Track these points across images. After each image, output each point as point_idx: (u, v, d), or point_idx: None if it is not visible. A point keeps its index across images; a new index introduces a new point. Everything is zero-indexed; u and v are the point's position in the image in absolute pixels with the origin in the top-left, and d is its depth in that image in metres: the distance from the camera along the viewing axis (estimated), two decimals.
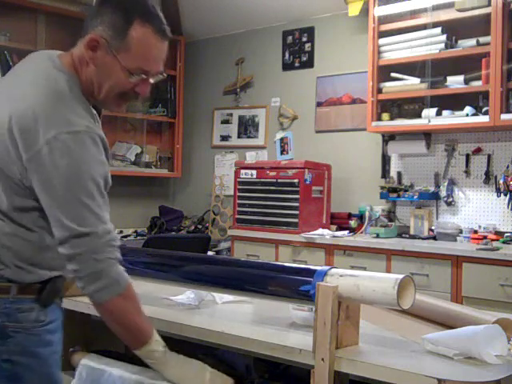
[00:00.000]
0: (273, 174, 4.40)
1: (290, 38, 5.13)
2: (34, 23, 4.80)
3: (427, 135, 4.23)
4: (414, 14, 4.16)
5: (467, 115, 3.85)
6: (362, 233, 4.23)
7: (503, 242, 3.74)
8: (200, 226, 5.45)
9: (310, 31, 5.00)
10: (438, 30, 3.99)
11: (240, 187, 4.59)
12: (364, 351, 1.51)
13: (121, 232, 5.29)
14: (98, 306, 1.47)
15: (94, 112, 1.56)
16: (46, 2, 4.83)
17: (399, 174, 4.43)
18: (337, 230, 4.37)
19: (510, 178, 3.80)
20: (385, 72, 4.25)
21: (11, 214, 1.45)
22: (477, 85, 3.84)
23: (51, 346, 1.54)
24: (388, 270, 3.75)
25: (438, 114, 3.98)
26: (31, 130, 1.38)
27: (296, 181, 4.28)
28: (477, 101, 3.87)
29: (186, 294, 2.07)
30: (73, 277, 1.44)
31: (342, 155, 4.73)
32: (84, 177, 1.39)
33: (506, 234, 3.83)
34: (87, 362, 1.99)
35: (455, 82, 3.94)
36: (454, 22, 3.98)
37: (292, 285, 1.61)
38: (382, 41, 4.24)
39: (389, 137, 4.46)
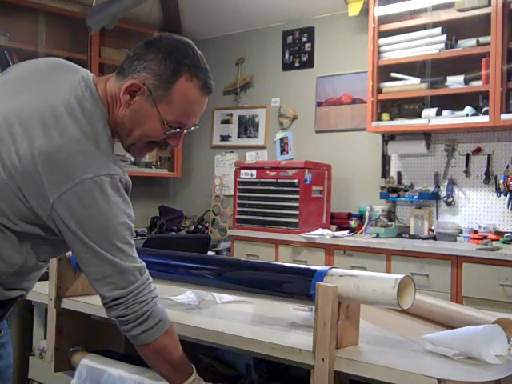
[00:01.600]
0: (273, 174, 4.40)
1: (289, 38, 5.13)
2: (34, 23, 4.80)
3: (427, 135, 4.23)
4: (413, 13, 4.16)
5: (467, 115, 3.85)
6: (362, 233, 4.23)
7: (503, 242, 3.74)
8: (200, 226, 5.45)
9: (310, 31, 5.00)
10: (438, 30, 3.99)
11: (240, 187, 4.59)
12: (364, 351, 1.51)
13: None
14: (144, 347, 1.44)
15: None
16: (46, 2, 4.83)
17: (399, 174, 4.43)
18: (337, 229, 4.37)
19: (510, 178, 3.80)
20: (385, 72, 4.25)
21: (5, 232, 1.36)
22: (477, 85, 3.84)
23: (3, 359, 1.51)
24: (388, 270, 3.75)
25: (438, 114, 3.98)
26: (65, 167, 1.31)
27: (296, 181, 4.28)
28: (477, 101, 3.87)
29: (186, 294, 2.07)
30: (119, 325, 1.43)
31: (342, 155, 4.73)
32: (118, 223, 1.36)
33: (506, 234, 3.83)
34: (87, 362, 1.99)
35: (455, 82, 3.94)
36: (454, 21, 3.98)
37: (292, 285, 1.61)
38: (381, 41, 4.24)
39: (389, 137, 4.46)
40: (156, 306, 1.43)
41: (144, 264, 1.43)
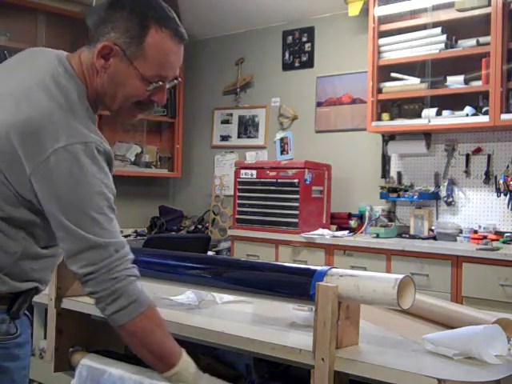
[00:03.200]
0: (273, 173, 4.40)
1: (290, 37, 5.13)
2: (34, 23, 4.80)
3: (427, 135, 4.23)
4: (413, 13, 4.16)
5: (467, 115, 3.85)
6: (362, 233, 4.23)
7: (503, 242, 3.74)
8: (200, 226, 5.45)
9: (310, 31, 5.00)
10: (438, 29, 3.99)
11: (240, 187, 4.59)
12: (364, 351, 1.51)
13: (121, 232, 5.27)
14: (119, 328, 1.38)
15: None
16: (45, 2, 4.83)
17: (399, 174, 4.43)
18: (337, 229, 4.37)
19: (510, 178, 3.80)
20: (385, 72, 4.25)
21: None
22: (477, 85, 3.84)
23: (19, 360, 1.45)
24: (388, 270, 3.75)
25: (438, 114, 3.98)
26: (37, 138, 1.29)
27: (296, 181, 4.28)
28: (477, 101, 3.87)
29: (186, 294, 2.07)
30: (93, 301, 1.38)
31: (342, 155, 4.73)
32: (94, 191, 1.32)
33: (506, 234, 3.83)
34: (87, 362, 1.99)
35: (455, 82, 3.94)
36: (454, 21, 3.98)
37: (292, 285, 1.61)
38: (381, 41, 4.24)
39: (389, 137, 4.46)
40: (132, 284, 1.35)
41: (123, 240, 1.37)
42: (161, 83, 1.43)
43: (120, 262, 1.34)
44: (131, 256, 1.38)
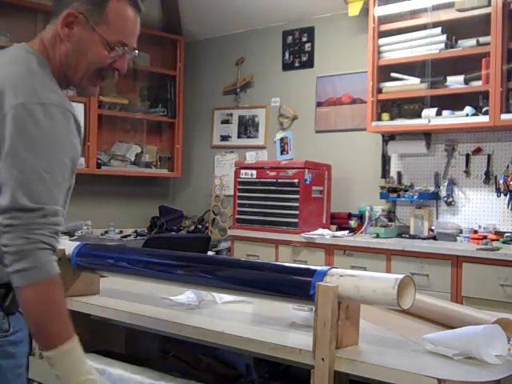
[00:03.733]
0: (273, 173, 4.40)
1: (289, 38, 5.13)
2: (34, 23, 4.80)
3: (427, 135, 4.23)
4: (413, 13, 4.16)
5: (467, 115, 3.85)
6: (362, 233, 4.23)
7: (503, 242, 3.74)
8: (200, 226, 5.45)
9: (310, 31, 5.00)
10: (438, 29, 3.99)
11: (240, 187, 4.59)
12: (364, 351, 1.51)
13: (121, 232, 5.29)
14: (17, 289, 1.32)
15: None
16: (45, 2, 4.83)
17: (399, 174, 4.43)
18: (337, 230, 4.37)
19: (510, 178, 3.80)
20: (385, 72, 4.25)
21: None
22: (477, 85, 3.84)
23: (13, 358, 1.44)
24: (388, 270, 3.75)
25: (438, 114, 3.98)
26: (2, 98, 1.33)
27: (296, 181, 4.28)
28: (477, 101, 3.87)
29: (186, 294, 2.07)
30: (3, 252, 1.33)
31: (342, 155, 4.73)
32: (47, 150, 1.32)
33: (506, 234, 3.83)
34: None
35: (455, 82, 3.94)
36: (454, 21, 3.98)
37: (292, 285, 1.61)
38: (381, 41, 4.24)
39: (389, 137, 4.46)
40: (41, 251, 1.30)
41: (58, 208, 1.35)
42: (122, 50, 1.49)
43: (40, 226, 1.31)
44: (58, 227, 1.35)
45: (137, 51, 1.55)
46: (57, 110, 1.35)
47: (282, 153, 5.17)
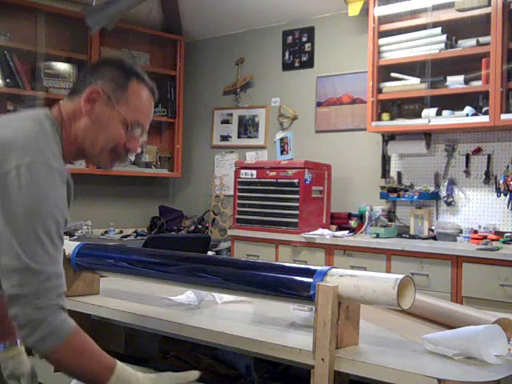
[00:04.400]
0: (273, 173, 4.40)
1: (289, 37, 5.13)
2: (34, 23, 4.80)
3: (427, 135, 4.23)
4: (413, 13, 4.16)
5: (467, 115, 3.85)
6: (362, 233, 4.23)
7: (503, 242, 3.74)
8: (200, 226, 5.45)
9: (310, 31, 5.00)
10: (438, 29, 3.99)
11: (240, 187, 4.59)
12: (364, 351, 1.51)
13: (121, 232, 5.29)
14: (44, 356, 1.36)
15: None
16: (45, 2, 4.83)
17: (399, 174, 4.43)
18: (337, 230, 4.36)
19: (510, 177, 3.80)
20: (385, 72, 4.25)
21: None
22: (477, 85, 3.84)
23: None
24: (388, 270, 3.75)
25: (438, 114, 3.98)
26: (4, 151, 1.35)
27: (296, 181, 4.27)
28: (477, 101, 3.87)
29: (186, 294, 2.07)
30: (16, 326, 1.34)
31: (342, 155, 4.73)
32: (46, 212, 1.34)
33: (506, 234, 3.83)
34: None
35: (455, 82, 3.94)
36: (454, 21, 3.98)
37: (292, 285, 1.61)
38: (382, 41, 4.24)
39: (389, 137, 4.46)
40: (55, 315, 1.34)
41: (60, 271, 1.37)
42: (138, 130, 1.55)
43: (47, 291, 1.33)
44: (62, 289, 1.38)
45: (145, 136, 1.60)
46: (58, 174, 1.39)
47: (282, 153, 5.17)
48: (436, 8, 4.02)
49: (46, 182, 1.35)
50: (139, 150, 1.61)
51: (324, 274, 1.54)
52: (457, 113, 3.92)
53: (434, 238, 4.02)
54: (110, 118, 1.51)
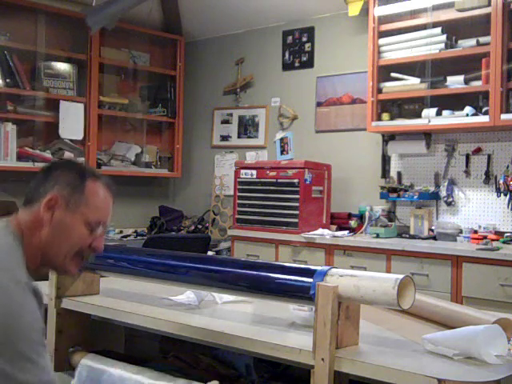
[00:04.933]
0: (273, 173, 4.40)
1: (289, 37, 5.13)
2: (34, 23, 4.80)
3: (427, 135, 4.23)
4: (413, 13, 4.16)
5: (467, 115, 3.85)
6: (362, 233, 4.23)
7: (503, 242, 3.74)
8: (200, 226, 5.45)
9: (310, 31, 5.00)
10: (438, 29, 3.99)
11: (240, 187, 4.59)
12: (364, 351, 1.51)
13: (121, 232, 5.29)
14: None
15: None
16: (45, 2, 4.83)
17: (399, 174, 4.43)
18: (337, 230, 4.36)
19: (510, 177, 3.80)
20: (385, 72, 4.25)
21: None
22: (477, 85, 3.84)
23: None
24: (388, 270, 3.75)
25: (438, 114, 3.98)
26: None
27: (296, 181, 4.27)
28: (477, 101, 3.87)
29: (186, 294, 2.07)
30: None
31: (342, 155, 4.73)
32: (25, 325, 1.29)
33: (506, 234, 3.83)
34: (87, 362, 1.99)
35: (455, 82, 3.94)
36: (454, 21, 3.98)
37: (292, 285, 1.61)
38: (382, 41, 4.24)
39: (389, 137, 4.46)
40: None
41: (53, 378, 1.33)
42: (101, 229, 1.54)
43: None
44: None
45: (105, 231, 1.58)
46: (28, 287, 1.34)
47: (282, 153, 5.17)
48: (436, 8, 4.02)
49: (16, 297, 1.30)
50: (102, 247, 1.57)
51: (324, 274, 1.54)
52: (457, 113, 3.92)
53: (434, 238, 4.02)
54: (71, 222, 1.49)
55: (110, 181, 1.60)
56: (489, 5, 3.73)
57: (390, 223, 4.22)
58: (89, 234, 1.51)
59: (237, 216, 4.60)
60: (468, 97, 3.91)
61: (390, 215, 4.36)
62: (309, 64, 5.01)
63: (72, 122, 4.84)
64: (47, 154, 4.74)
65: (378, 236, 4.04)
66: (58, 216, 1.47)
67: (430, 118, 3.97)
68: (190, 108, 5.78)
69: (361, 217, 4.38)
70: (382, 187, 4.33)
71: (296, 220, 4.26)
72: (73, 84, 4.93)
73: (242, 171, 4.57)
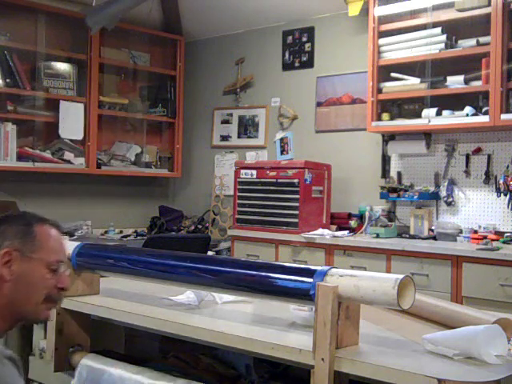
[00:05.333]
0: (273, 173, 4.39)
1: (289, 38, 5.13)
2: (34, 23, 4.79)
3: (427, 135, 4.23)
4: (413, 13, 4.15)
5: (467, 115, 3.85)
6: (362, 233, 4.23)
7: (503, 242, 3.74)
8: (200, 226, 5.45)
9: (310, 31, 5.00)
10: (438, 29, 3.99)
11: (240, 187, 4.59)
12: (364, 351, 1.51)
13: (121, 232, 5.29)
14: None
15: None
16: (45, 2, 4.83)
17: (399, 174, 4.43)
18: (337, 230, 4.36)
19: (510, 177, 3.80)
20: (385, 72, 4.25)
21: None
22: (477, 85, 3.84)
23: None
24: (388, 270, 3.75)
25: (438, 114, 3.98)
26: None
27: (296, 181, 4.27)
28: (477, 101, 3.87)
29: (186, 294, 2.07)
30: None
31: (342, 155, 4.73)
32: None
33: (506, 234, 3.83)
34: (87, 362, 1.99)
35: (455, 82, 3.94)
36: (454, 21, 3.98)
37: (292, 285, 1.61)
38: (382, 41, 4.24)
39: (389, 137, 4.46)
40: None
41: None
42: (62, 266, 1.55)
43: None
44: None
45: (66, 270, 1.58)
46: (4, 358, 1.32)
47: (282, 153, 5.17)
48: (436, 8, 4.02)
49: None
50: (69, 284, 1.58)
51: (324, 274, 1.54)
52: (457, 113, 3.92)
53: (434, 238, 4.02)
54: (32, 271, 1.49)
55: (56, 221, 1.60)
56: (489, 5, 3.73)
57: (390, 223, 4.22)
58: (52, 276, 1.51)
59: (237, 216, 4.60)
60: (468, 97, 3.91)
61: (390, 215, 4.36)
62: (309, 64, 5.01)
63: (72, 122, 4.84)
64: (47, 154, 4.75)
65: (378, 236, 4.04)
66: (16, 269, 1.47)
67: (430, 118, 3.97)
68: (190, 108, 5.78)
69: (361, 217, 4.38)
70: (382, 187, 4.33)
71: (296, 220, 4.26)
72: (73, 84, 4.93)
73: (242, 171, 4.57)
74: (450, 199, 4.13)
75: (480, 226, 3.98)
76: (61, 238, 1.58)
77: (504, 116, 3.65)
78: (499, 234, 3.88)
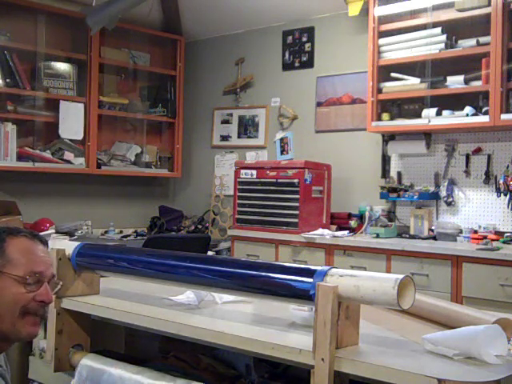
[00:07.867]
0: (273, 173, 4.39)
1: (289, 38, 5.13)
2: (34, 23, 4.79)
3: (427, 135, 4.23)
4: (413, 13, 4.16)
5: (467, 115, 3.85)
6: (361, 233, 4.23)
7: (503, 242, 3.74)
8: (200, 226, 5.45)
9: (310, 31, 5.00)
10: (438, 29, 3.99)
11: (240, 187, 4.59)
12: (364, 351, 1.51)
13: (121, 232, 5.29)
14: None
15: None
16: (46, 2, 4.83)
17: (399, 174, 4.43)
18: (337, 230, 4.36)
19: (510, 177, 3.80)
20: (385, 72, 4.25)
21: None
22: (477, 85, 3.84)
23: None
24: (388, 270, 3.75)
25: (438, 114, 3.98)
26: None
27: (296, 181, 4.27)
28: (477, 101, 3.87)
29: (186, 294, 2.07)
30: None
31: (342, 155, 4.73)
32: None
33: (506, 234, 3.83)
34: (87, 362, 1.99)
35: (455, 82, 3.94)
36: (454, 21, 3.98)
37: (292, 285, 1.61)
38: (382, 41, 4.24)
39: (389, 137, 4.46)
40: None
41: None
42: (42, 279, 1.47)
43: None
44: None
45: (58, 280, 1.54)
46: None
47: (282, 153, 5.17)
48: (436, 8, 4.02)
49: None
50: (53, 298, 1.52)
51: (324, 274, 1.54)
52: (457, 113, 3.92)
53: (434, 238, 4.02)
54: (3, 286, 1.43)
55: (34, 231, 1.55)
56: (489, 5, 3.73)
57: (390, 223, 4.22)
58: (26, 290, 1.45)
59: (237, 216, 4.60)
60: (468, 97, 3.91)
61: (390, 215, 4.36)
62: (309, 64, 5.01)
63: (72, 122, 4.84)
64: (47, 154, 4.75)
65: (378, 236, 4.04)
66: None
67: (430, 118, 3.97)
68: (190, 108, 5.78)
69: (361, 217, 4.38)
70: (382, 187, 4.33)
71: (296, 220, 4.26)
72: (73, 84, 4.93)
73: (242, 171, 4.57)
74: (450, 199, 4.13)
75: (480, 226, 3.98)
76: (37, 249, 1.50)
77: (504, 116, 3.65)
78: (499, 234, 3.88)
